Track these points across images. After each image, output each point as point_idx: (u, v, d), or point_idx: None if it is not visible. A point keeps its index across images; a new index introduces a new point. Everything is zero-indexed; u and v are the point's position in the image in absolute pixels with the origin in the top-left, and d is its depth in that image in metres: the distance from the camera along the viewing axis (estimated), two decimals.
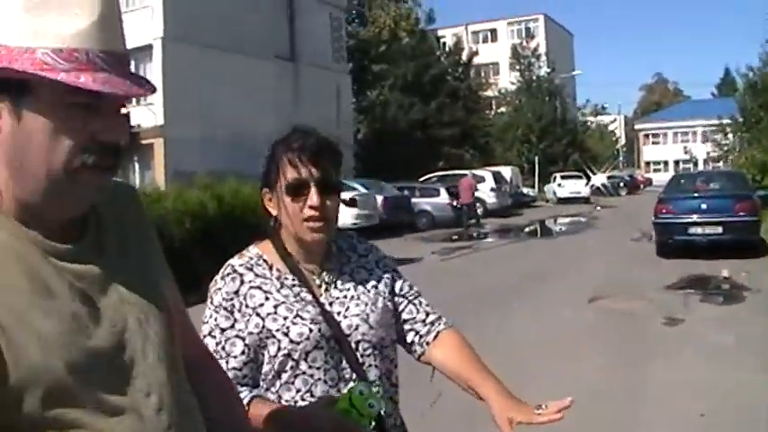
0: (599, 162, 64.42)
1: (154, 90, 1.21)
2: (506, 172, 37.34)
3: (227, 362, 1.89)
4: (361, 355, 1.95)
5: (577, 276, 13.49)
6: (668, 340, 8.41)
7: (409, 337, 2.11)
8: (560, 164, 53.18)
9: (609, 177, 56.62)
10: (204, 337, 1.90)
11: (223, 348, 1.91)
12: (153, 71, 28.00)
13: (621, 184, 55.46)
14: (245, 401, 1.79)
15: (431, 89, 50.39)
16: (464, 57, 55.35)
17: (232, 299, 1.93)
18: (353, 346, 1.95)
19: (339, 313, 1.96)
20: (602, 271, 14.04)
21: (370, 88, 51.55)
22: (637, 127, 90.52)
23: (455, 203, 27.72)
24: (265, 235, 2.05)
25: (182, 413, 1.27)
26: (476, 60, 57.27)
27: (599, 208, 37.13)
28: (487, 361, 1.86)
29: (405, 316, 2.11)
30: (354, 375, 1.92)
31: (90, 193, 1.20)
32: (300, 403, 1.89)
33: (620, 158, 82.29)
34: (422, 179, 33.38)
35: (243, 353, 1.90)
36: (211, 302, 1.95)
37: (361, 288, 2.03)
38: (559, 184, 45.34)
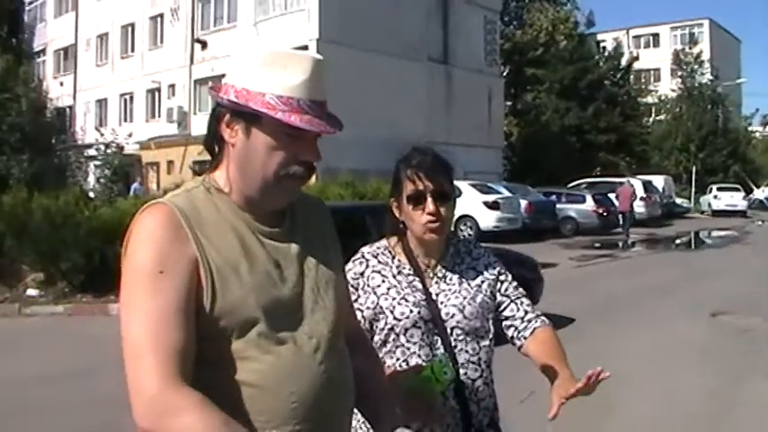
0: (763, 175, 61.42)
1: (341, 127, 1.73)
2: (658, 181, 36.33)
3: None
4: (455, 340, 2.35)
5: (706, 290, 13.27)
6: None
7: (509, 332, 2.48)
8: (720, 175, 51.12)
9: None
10: None
11: None
12: None
13: None
14: None
15: (588, 94, 49.72)
16: (623, 62, 54.23)
17: (358, 278, 2.40)
18: (449, 330, 2.34)
19: (442, 302, 2.37)
20: (734, 287, 13.73)
21: (526, 91, 51.45)
22: None
23: (601, 211, 27.49)
24: (396, 233, 2.46)
25: (333, 358, 1.73)
26: (636, 66, 56.07)
27: (760, 223, 35.47)
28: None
29: (506, 313, 2.48)
30: (446, 353, 2.31)
31: (289, 194, 1.74)
32: (397, 368, 2.31)
33: None
34: (571, 185, 33.09)
35: (360, 322, 2.32)
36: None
37: (465, 284, 2.42)
38: (715, 196, 43.44)
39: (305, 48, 28.79)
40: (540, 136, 47.69)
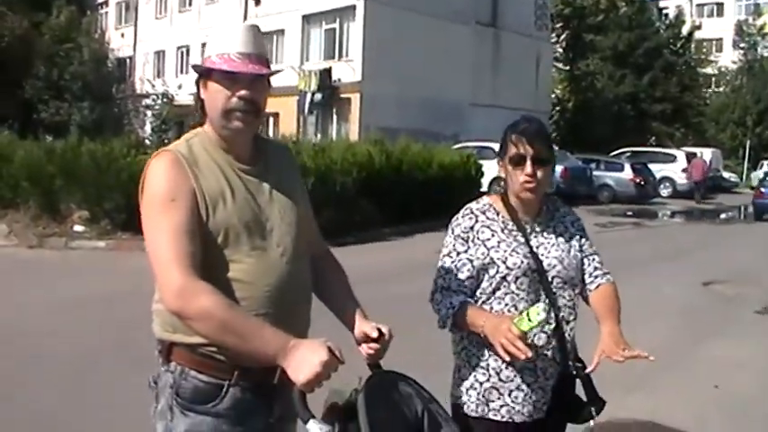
0: None
1: (268, 70, 2.29)
2: (706, 154, 36.02)
3: (455, 275, 2.67)
4: (554, 287, 2.69)
5: (712, 260, 13.75)
6: (747, 324, 8.87)
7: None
8: None
9: None
10: (443, 256, 2.72)
11: (455, 265, 2.68)
12: (354, 30, 29.81)
13: None
14: (460, 301, 2.62)
15: (645, 62, 49.13)
16: (684, 30, 53.33)
17: (468, 232, 2.70)
18: (549, 279, 2.68)
19: (542, 254, 2.69)
20: (742, 257, 14.19)
21: (583, 57, 51.14)
22: None
23: (639, 180, 27.83)
24: (495, 191, 2.87)
25: (296, 261, 2.33)
26: (698, 35, 54.86)
27: None
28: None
29: (586, 269, 2.84)
30: (547, 300, 2.64)
31: (239, 127, 2.26)
32: (506, 312, 2.61)
33: None
34: (613, 153, 33.19)
35: (469, 271, 2.66)
36: (452, 232, 2.73)
37: (560, 239, 2.76)
38: (766, 173, 42.76)
39: (353, 7, 29.51)
40: (594, 103, 47.54)
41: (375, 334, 2.33)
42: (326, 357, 1.99)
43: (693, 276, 11.78)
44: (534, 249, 2.67)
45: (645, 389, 6.19)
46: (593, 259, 2.84)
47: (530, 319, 2.36)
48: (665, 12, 58.75)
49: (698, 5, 69.73)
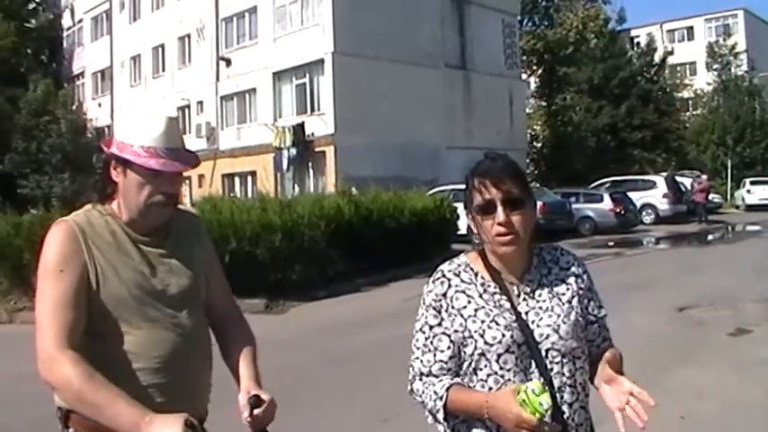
0: None
1: (197, 164, 2.40)
2: (684, 177, 36.09)
3: (434, 355, 2.22)
4: (550, 362, 2.16)
5: (690, 284, 13.60)
6: (716, 349, 8.74)
7: None
8: (758, 168, 50.43)
9: None
10: (416, 332, 2.28)
11: (431, 342, 2.23)
12: (324, 83, 30.05)
13: None
14: (445, 387, 2.15)
15: (621, 92, 49.75)
16: (657, 57, 54.03)
17: (440, 300, 2.23)
18: (543, 353, 2.15)
19: (533, 322, 2.17)
20: (720, 280, 14.01)
21: (560, 92, 51.64)
22: None
23: (618, 209, 27.77)
24: (473, 247, 2.35)
25: (191, 328, 2.39)
26: (671, 60, 55.79)
27: None
28: None
29: (588, 336, 2.31)
30: (542, 380, 2.11)
31: (159, 216, 2.37)
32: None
33: None
34: (594, 184, 33.17)
35: (448, 347, 2.20)
36: (423, 302, 2.28)
37: (556, 300, 2.22)
38: (748, 191, 42.44)
39: (321, 61, 29.79)
40: (572, 136, 47.85)
41: (246, 413, 2.29)
42: None
43: (669, 302, 11.64)
44: (523, 316, 2.18)
45: (604, 424, 6.03)
46: (602, 327, 2.34)
47: (536, 410, 1.96)
48: (636, 41, 59.52)
49: (668, 31, 70.66)
